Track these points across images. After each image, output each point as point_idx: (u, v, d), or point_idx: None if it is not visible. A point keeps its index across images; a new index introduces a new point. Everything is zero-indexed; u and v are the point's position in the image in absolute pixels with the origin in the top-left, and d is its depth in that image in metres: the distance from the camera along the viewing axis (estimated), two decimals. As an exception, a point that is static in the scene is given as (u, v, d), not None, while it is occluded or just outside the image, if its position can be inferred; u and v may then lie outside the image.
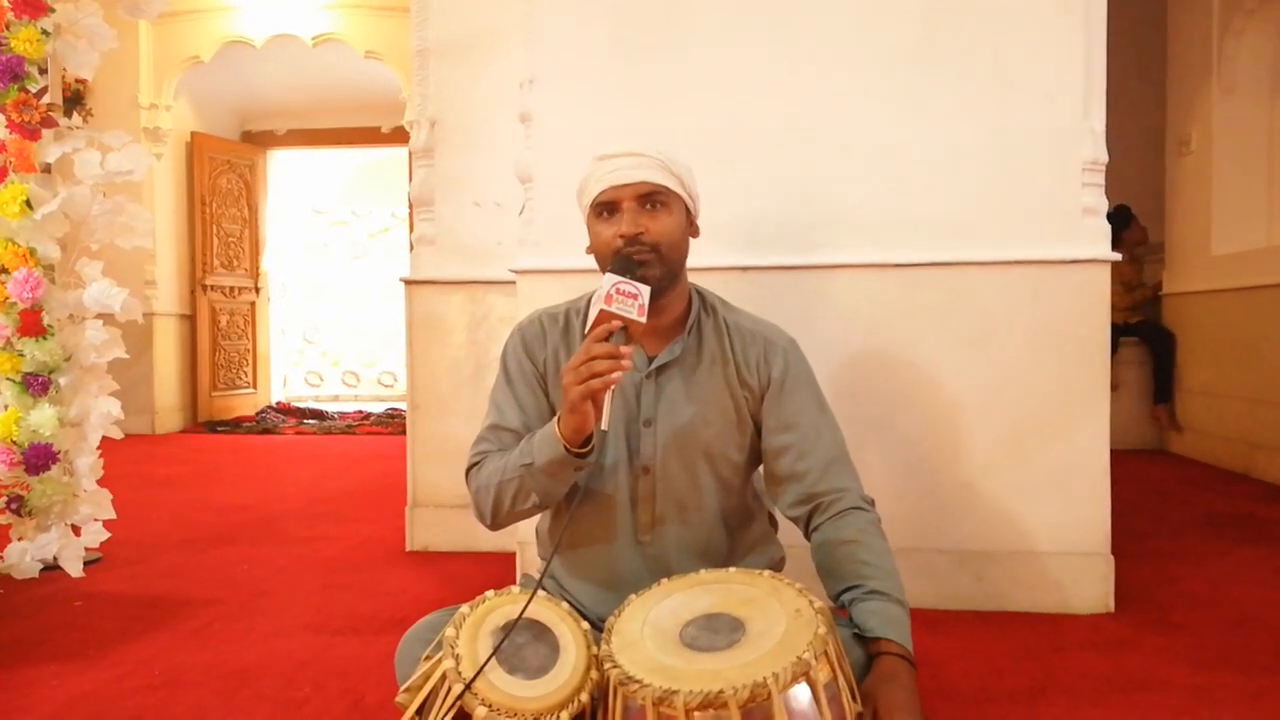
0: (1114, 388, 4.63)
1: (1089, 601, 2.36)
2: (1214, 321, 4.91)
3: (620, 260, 1.47)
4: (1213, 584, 2.64)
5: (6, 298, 2.83)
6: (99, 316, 3.00)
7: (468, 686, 1.22)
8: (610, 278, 1.41)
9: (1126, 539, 2.70)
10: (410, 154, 3.30)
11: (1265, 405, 4.37)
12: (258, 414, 7.76)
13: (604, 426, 1.38)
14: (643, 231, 1.50)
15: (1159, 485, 4.33)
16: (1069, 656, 2.07)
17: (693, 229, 1.61)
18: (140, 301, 3.03)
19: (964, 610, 2.39)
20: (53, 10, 2.89)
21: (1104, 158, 2.37)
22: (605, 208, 1.54)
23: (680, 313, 1.61)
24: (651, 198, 1.52)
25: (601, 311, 1.39)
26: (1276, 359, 4.29)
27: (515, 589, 1.43)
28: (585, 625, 1.39)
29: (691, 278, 1.65)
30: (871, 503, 1.59)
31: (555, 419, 1.46)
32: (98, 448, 3.02)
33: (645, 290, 1.40)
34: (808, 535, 1.59)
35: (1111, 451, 2.37)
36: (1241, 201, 4.76)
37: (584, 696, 1.28)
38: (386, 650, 1.60)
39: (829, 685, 1.21)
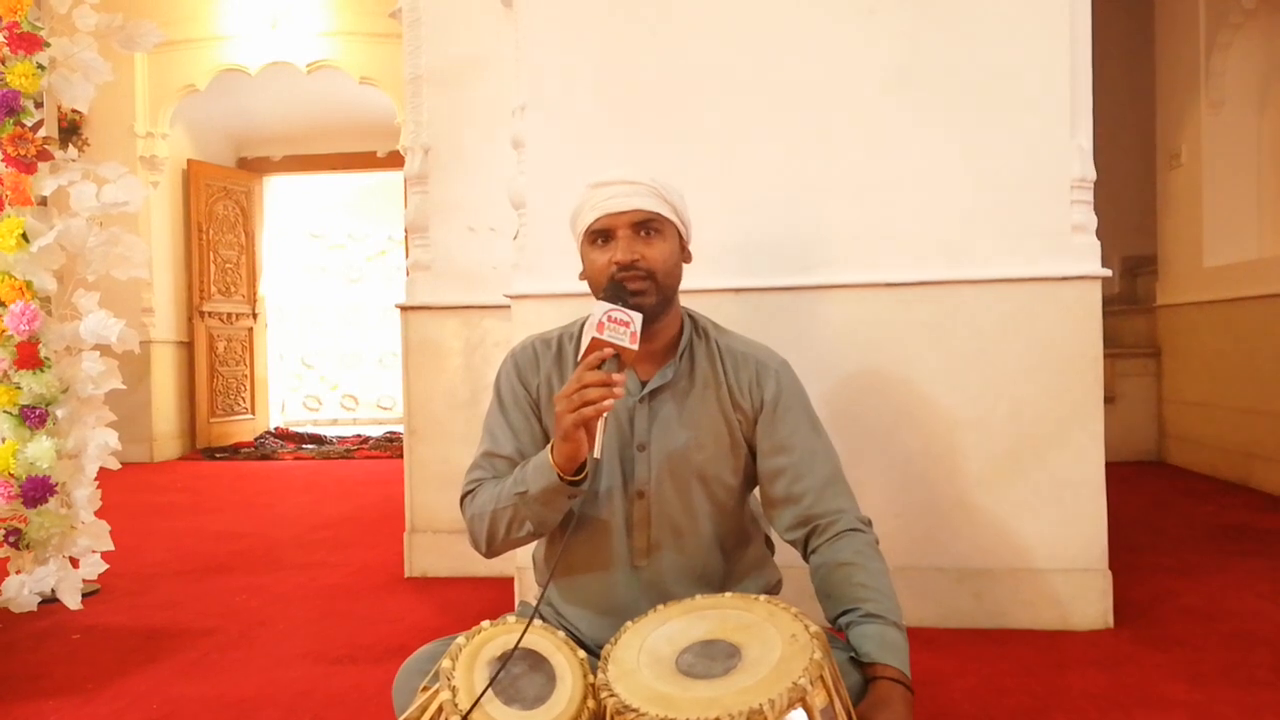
0: (1110, 400, 4.63)
1: (1088, 618, 2.36)
2: (1208, 333, 4.93)
3: (612, 287, 1.48)
4: (1211, 598, 2.64)
5: (3, 330, 2.83)
6: (96, 348, 3.01)
7: (464, 718, 1.22)
8: (602, 305, 1.42)
9: (1124, 552, 2.70)
10: (405, 180, 3.32)
11: (1261, 415, 4.38)
12: (256, 440, 7.75)
13: (597, 454, 1.39)
14: (638, 259, 1.50)
15: (1156, 497, 4.33)
16: (1070, 674, 2.07)
17: (685, 255, 1.63)
18: (137, 330, 3.04)
19: (963, 628, 2.38)
20: (48, 44, 2.91)
21: (1092, 175, 2.38)
22: (600, 235, 1.55)
23: (672, 337, 1.62)
24: (646, 225, 1.53)
25: (593, 339, 1.39)
26: (1271, 369, 4.30)
27: (511, 618, 1.43)
28: (582, 654, 1.39)
29: (683, 300, 1.65)
30: (868, 523, 1.59)
31: (549, 447, 1.46)
32: (95, 479, 3.02)
33: (637, 318, 1.41)
34: (806, 558, 1.59)
35: (1108, 463, 2.38)
36: (1232, 213, 4.79)
37: (581, 725, 1.28)
38: (386, 679, 1.59)
39: (825, 710, 1.21)
